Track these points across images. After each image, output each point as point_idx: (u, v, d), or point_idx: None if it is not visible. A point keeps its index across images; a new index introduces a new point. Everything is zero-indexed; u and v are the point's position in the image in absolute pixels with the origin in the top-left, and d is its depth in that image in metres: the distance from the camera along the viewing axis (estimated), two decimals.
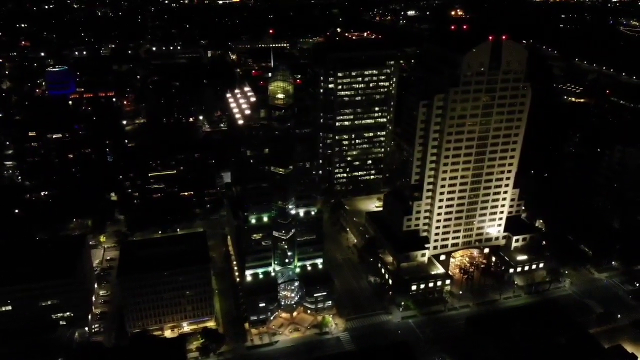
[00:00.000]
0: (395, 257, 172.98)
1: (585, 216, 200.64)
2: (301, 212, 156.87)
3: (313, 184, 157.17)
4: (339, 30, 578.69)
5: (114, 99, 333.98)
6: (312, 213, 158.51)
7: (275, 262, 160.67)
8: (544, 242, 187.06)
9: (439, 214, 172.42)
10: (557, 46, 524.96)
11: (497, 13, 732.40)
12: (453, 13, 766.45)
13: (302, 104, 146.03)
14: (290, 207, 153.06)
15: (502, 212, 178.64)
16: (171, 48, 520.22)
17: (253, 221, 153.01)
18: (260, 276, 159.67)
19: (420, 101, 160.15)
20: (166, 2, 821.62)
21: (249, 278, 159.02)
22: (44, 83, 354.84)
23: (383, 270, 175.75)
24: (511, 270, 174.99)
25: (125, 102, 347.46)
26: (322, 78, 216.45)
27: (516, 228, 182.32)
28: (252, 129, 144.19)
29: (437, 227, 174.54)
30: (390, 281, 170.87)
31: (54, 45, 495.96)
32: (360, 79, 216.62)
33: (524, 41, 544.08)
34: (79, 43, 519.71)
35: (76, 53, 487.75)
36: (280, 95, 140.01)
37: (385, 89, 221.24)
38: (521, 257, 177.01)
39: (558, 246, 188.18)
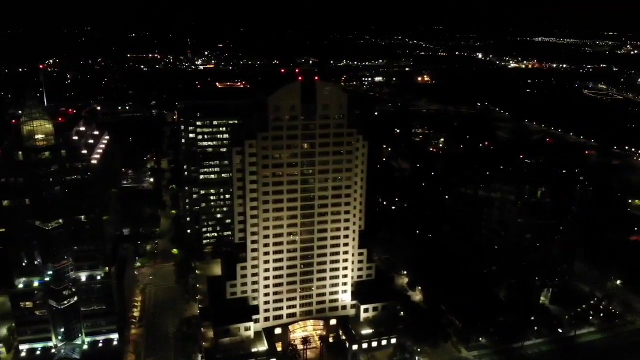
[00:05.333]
0: (214, 331, 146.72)
1: (467, 284, 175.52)
2: (83, 276, 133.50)
3: (97, 242, 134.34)
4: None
5: None
6: (98, 278, 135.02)
7: (59, 337, 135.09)
8: (402, 313, 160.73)
9: (266, 278, 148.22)
10: (511, 108, 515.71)
11: (464, 79, 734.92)
12: (420, 79, 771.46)
13: (70, 145, 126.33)
14: (67, 270, 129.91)
15: (345, 276, 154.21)
16: (119, 108, 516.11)
17: (21, 286, 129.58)
18: (38, 352, 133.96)
19: (234, 147, 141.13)
20: (142, 67, 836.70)
21: (23, 354, 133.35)
22: None
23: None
24: (355, 347, 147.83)
25: None
26: (182, 127, 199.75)
27: (368, 296, 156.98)
28: (9, 175, 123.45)
29: (267, 294, 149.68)
30: None
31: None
32: (223, 129, 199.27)
33: (479, 104, 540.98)
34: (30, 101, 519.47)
35: (20, 111, 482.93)
36: (39, 136, 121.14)
37: None
38: (366, 331, 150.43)
39: (425, 318, 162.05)
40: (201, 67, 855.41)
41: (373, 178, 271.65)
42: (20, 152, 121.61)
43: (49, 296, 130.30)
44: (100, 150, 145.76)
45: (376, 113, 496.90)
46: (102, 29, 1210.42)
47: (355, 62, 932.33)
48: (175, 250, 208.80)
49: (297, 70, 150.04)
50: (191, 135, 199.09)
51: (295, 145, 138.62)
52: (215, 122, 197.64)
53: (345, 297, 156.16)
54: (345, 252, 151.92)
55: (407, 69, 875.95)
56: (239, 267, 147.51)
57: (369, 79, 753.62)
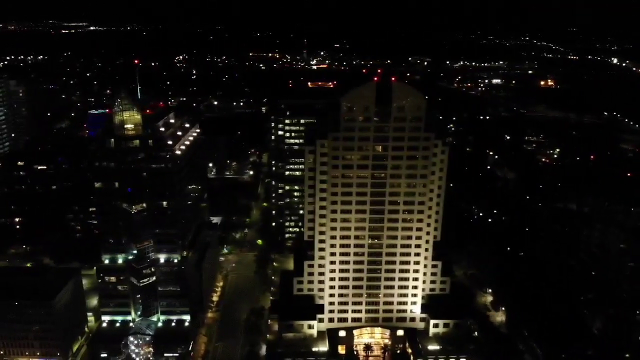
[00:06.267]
0: (279, 325, 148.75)
1: (557, 310, 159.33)
2: (162, 258, 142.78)
3: (176, 227, 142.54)
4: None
5: None
6: (175, 261, 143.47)
7: (137, 312, 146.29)
8: (476, 333, 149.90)
9: (332, 279, 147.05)
10: None
11: (593, 85, 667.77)
12: (542, 83, 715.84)
13: (156, 135, 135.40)
14: (148, 251, 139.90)
15: (415, 287, 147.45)
16: (234, 104, 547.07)
17: (106, 262, 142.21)
18: (118, 324, 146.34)
19: (306, 147, 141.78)
20: (260, 66, 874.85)
21: (104, 325, 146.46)
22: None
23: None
24: None
25: None
26: (272, 124, 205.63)
27: (439, 310, 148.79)
28: (101, 160, 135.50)
29: (332, 295, 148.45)
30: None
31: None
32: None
33: (606, 113, 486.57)
34: (157, 94, 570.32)
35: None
36: (129, 126, 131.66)
37: None
38: (434, 347, 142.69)
39: (502, 341, 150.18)
40: (315, 67, 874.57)
41: (471, 186, 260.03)
42: (112, 140, 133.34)
43: (130, 273, 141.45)
44: (188, 142, 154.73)
45: (487, 117, 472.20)
46: (230, 29, 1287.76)
47: (473, 63, 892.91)
48: (259, 241, 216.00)
49: (379, 70, 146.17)
50: (280, 132, 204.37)
51: (366, 147, 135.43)
52: (302, 121, 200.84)
53: (414, 309, 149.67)
54: (417, 263, 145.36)
55: (530, 71, 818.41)
56: (306, 264, 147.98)
57: (486, 80, 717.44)
